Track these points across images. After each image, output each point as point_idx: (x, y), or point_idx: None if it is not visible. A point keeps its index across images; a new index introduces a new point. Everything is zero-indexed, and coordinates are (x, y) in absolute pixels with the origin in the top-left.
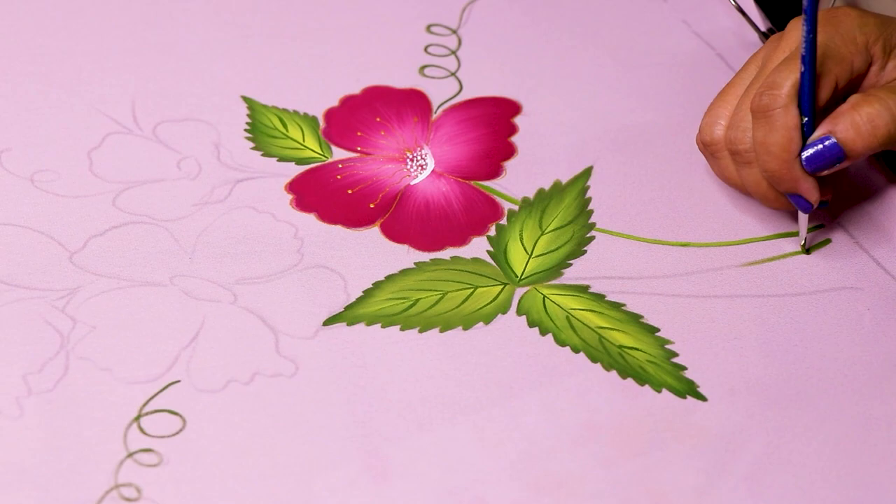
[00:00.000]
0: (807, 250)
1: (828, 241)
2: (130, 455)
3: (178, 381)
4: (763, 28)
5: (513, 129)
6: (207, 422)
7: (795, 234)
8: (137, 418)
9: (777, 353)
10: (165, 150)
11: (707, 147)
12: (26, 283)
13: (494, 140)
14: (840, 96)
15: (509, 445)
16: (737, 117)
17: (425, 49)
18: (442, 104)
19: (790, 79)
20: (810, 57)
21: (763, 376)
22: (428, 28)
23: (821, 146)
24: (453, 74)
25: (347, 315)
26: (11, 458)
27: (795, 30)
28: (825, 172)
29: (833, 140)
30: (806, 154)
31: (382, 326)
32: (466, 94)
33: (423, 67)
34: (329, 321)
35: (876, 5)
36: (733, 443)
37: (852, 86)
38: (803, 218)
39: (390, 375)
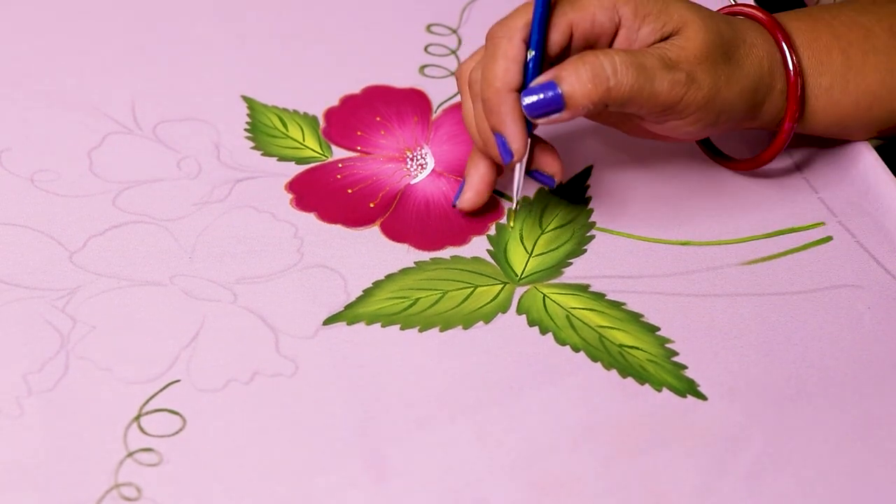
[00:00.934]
0: (515, 211)
1: (828, 239)
2: (130, 454)
3: (178, 381)
4: None
5: None
6: (207, 421)
7: (796, 230)
8: (137, 418)
9: (777, 352)
10: (165, 150)
11: (457, 81)
12: (26, 282)
13: None
14: (582, 47)
15: (509, 445)
16: (482, 50)
17: (425, 49)
18: (442, 104)
19: (525, 14)
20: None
21: (763, 375)
22: (428, 28)
23: (541, 91)
24: (453, 74)
25: (347, 314)
26: (11, 458)
27: None
28: (543, 121)
29: (556, 87)
30: (526, 97)
31: (382, 326)
32: None
33: (423, 67)
34: (329, 320)
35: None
36: (733, 442)
37: (595, 41)
38: (516, 172)
39: (390, 375)
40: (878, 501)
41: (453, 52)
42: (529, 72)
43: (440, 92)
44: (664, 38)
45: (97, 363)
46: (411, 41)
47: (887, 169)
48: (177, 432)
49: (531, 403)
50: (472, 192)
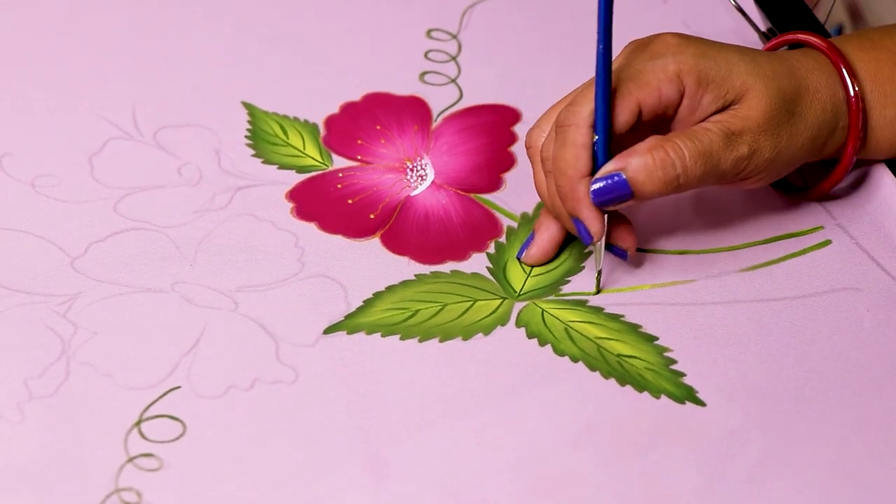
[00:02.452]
0: (597, 291)
1: (827, 243)
2: (131, 460)
3: (179, 387)
4: (763, 28)
5: (513, 138)
6: (208, 427)
7: (794, 234)
8: (138, 423)
9: (776, 357)
10: (166, 156)
11: (527, 150)
12: (28, 288)
13: (494, 150)
14: (651, 124)
15: (509, 447)
16: (552, 128)
17: (425, 55)
18: (442, 112)
19: (591, 98)
20: (604, 73)
21: (762, 380)
22: (428, 33)
23: (610, 181)
24: (453, 81)
25: (348, 324)
26: (12, 463)
27: (658, 41)
28: (612, 208)
29: (623, 177)
30: (594, 186)
31: (382, 335)
32: (466, 101)
33: (423, 74)
34: (329, 329)
35: (875, 5)
36: (733, 445)
37: (663, 113)
38: (596, 249)
39: (390, 383)
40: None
41: (453, 58)
42: (598, 158)
43: (440, 100)
44: (726, 106)
45: (98, 369)
46: (411, 47)
47: (887, 170)
48: (177, 438)
49: (530, 407)
50: (539, 251)
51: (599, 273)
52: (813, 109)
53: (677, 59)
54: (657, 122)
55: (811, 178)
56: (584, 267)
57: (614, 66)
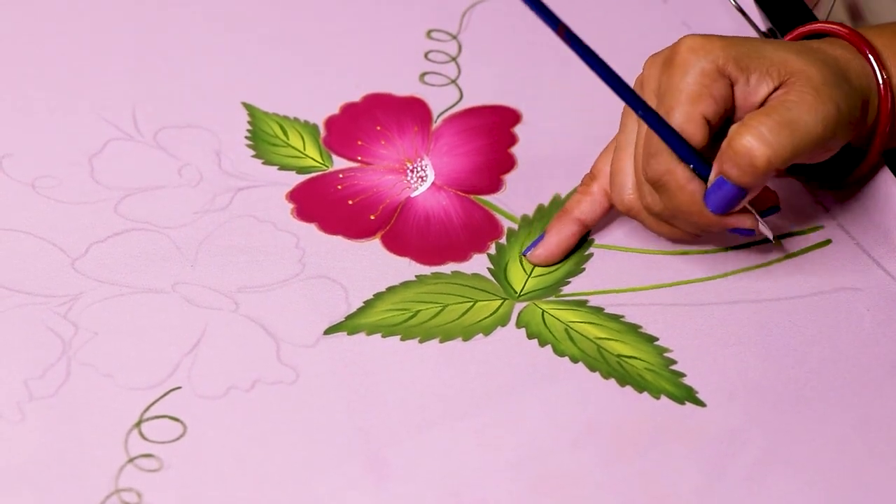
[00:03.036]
0: (779, 240)
1: (827, 243)
2: (131, 460)
3: (180, 388)
4: (763, 28)
5: (513, 140)
6: (208, 428)
7: (794, 234)
8: (138, 424)
9: (776, 357)
10: (166, 157)
11: (628, 212)
12: (28, 288)
13: (494, 151)
14: (729, 118)
15: (509, 447)
16: (640, 182)
17: (425, 55)
18: (442, 113)
19: (656, 143)
20: (662, 129)
21: (762, 380)
22: (428, 33)
23: (718, 190)
24: (453, 82)
25: (348, 324)
26: (12, 463)
27: (681, 51)
28: (738, 207)
29: (727, 183)
30: (710, 201)
31: (383, 336)
32: (466, 102)
33: (423, 74)
34: (330, 330)
35: (875, 5)
36: (733, 445)
37: (728, 109)
38: (760, 225)
39: (391, 382)
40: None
41: (453, 58)
42: (700, 175)
43: (440, 101)
44: (778, 85)
45: (99, 369)
46: (411, 47)
47: (887, 169)
48: (177, 438)
49: (531, 407)
50: (545, 252)
51: (775, 237)
52: (853, 74)
53: (709, 57)
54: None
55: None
56: (584, 269)
57: (651, 86)
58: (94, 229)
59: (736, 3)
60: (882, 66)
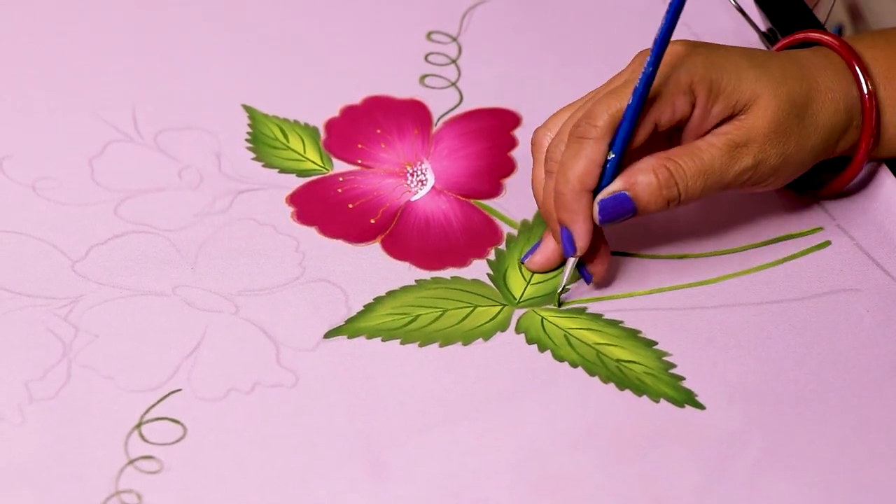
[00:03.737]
0: (559, 304)
1: (827, 244)
2: (131, 462)
3: (180, 390)
4: (763, 28)
5: (513, 143)
6: (208, 430)
7: (793, 236)
8: (139, 426)
9: (776, 359)
10: (166, 159)
11: (531, 146)
12: (29, 291)
13: (494, 155)
14: (664, 133)
15: (509, 449)
16: (563, 130)
17: (425, 58)
18: (442, 116)
19: (609, 112)
20: (643, 92)
21: (762, 382)
22: (428, 35)
23: (615, 200)
24: (454, 85)
25: (348, 328)
26: (13, 465)
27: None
28: (614, 224)
29: (627, 196)
30: (601, 204)
31: (383, 340)
32: (466, 104)
33: (423, 77)
34: (330, 334)
35: (875, 5)
36: (732, 447)
37: (677, 124)
38: (570, 263)
39: (391, 386)
40: None
41: (453, 61)
42: (606, 172)
43: (440, 104)
44: (734, 115)
45: (99, 371)
46: (411, 50)
47: (888, 170)
48: (177, 441)
49: (530, 410)
50: (543, 259)
51: (565, 289)
52: (825, 111)
53: (689, 70)
54: (669, 131)
55: (821, 175)
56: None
57: (623, 79)
58: (95, 231)
59: (736, 3)
60: (868, 78)
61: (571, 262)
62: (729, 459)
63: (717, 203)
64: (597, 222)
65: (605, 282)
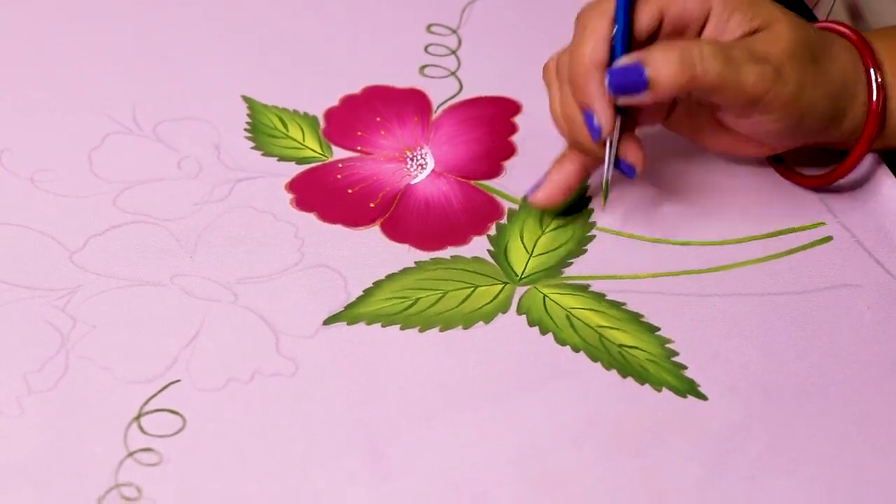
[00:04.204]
0: (606, 192)
1: (828, 239)
2: (131, 454)
3: (179, 381)
4: None
5: (513, 129)
6: (207, 421)
7: (796, 229)
8: (138, 417)
9: (778, 352)
10: (166, 150)
11: (543, 75)
12: (26, 282)
13: (494, 139)
14: (671, 33)
15: (510, 442)
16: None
17: (425, 49)
18: (442, 104)
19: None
20: None
21: (764, 374)
22: (428, 28)
23: (626, 71)
24: (453, 74)
25: (348, 314)
26: (11, 457)
27: None
28: (625, 100)
29: (640, 65)
30: (610, 74)
31: (383, 326)
32: (466, 94)
33: (423, 67)
34: (329, 320)
35: (875, 5)
36: (734, 440)
37: (685, 28)
38: (607, 150)
39: (390, 374)
40: (879, 500)
41: (453, 52)
42: (616, 49)
43: (440, 92)
44: (752, 32)
45: (97, 363)
46: (411, 41)
47: (887, 168)
48: (177, 432)
49: (532, 400)
50: (546, 194)
51: (607, 182)
52: (836, 65)
53: None
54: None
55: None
56: (586, 250)
57: None
58: (93, 222)
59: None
60: (878, 68)
61: (608, 146)
62: (731, 453)
63: (721, 193)
64: (608, 92)
65: (608, 262)
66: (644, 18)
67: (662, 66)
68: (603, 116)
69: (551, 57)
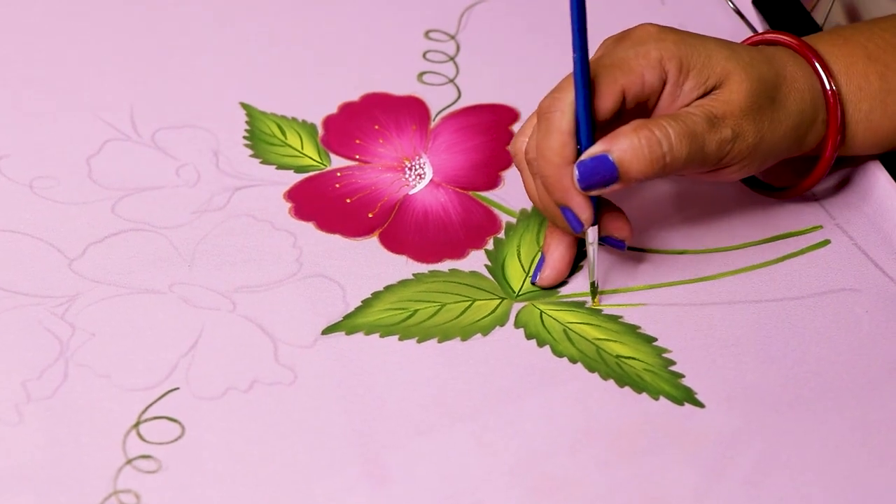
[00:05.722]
0: (595, 288)
1: (826, 243)
2: (129, 462)
3: (177, 389)
4: (760, 30)
5: (511, 137)
6: (206, 429)
7: (794, 234)
8: (136, 425)
9: (775, 358)
10: (164, 157)
11: (513, 157)
12: (25, 289)
13: (492, 149)
14: (633, 112)
15: (508, 450)
16: (532, 124)
17: (423, 55)
18: (440, 111)
19: (570, 85)
20: (582, 76)
21: (761, 381)
22: (426, 34)
23: (595, 162)
24: (452, 81)
25: (346, 324)
26: (10, 465)
27: (637, 31)
28: (596, 192)
29: (608, 158)
30: (580, 168)
31: (381, 336)
32: (465, 101)
33: (421, 74)
34: (328, 330)
35: (873, 7)
36: (732, 447)
37: (645, 101)
38: (590, 251)
39: (388, 384)
40: None
41: (451, 58)
42: (581, 143)
43: (438, 100)
44: (707, 92)
45: (96, 370)
46: (410, 47)
47: (885, 171)
48: (175, 439)
49: (529, 409)
50: (553, 272)
51: (594, 284)
52: (793, 98)
53: (658, 46)
54: (639, 111)
55: (794, 176)
56: (582, 266)
57: (595, 57)
58: (92, 230)
59: (733, 5)
60: (830, 76)
61: (590, 235)
62: (728, 460)
63: (715, 200)
64: (577, 187)
65: (604, 277)
66: (607, 104)
67: (634, 161)
68: (582, 212)
69: (516, 138)
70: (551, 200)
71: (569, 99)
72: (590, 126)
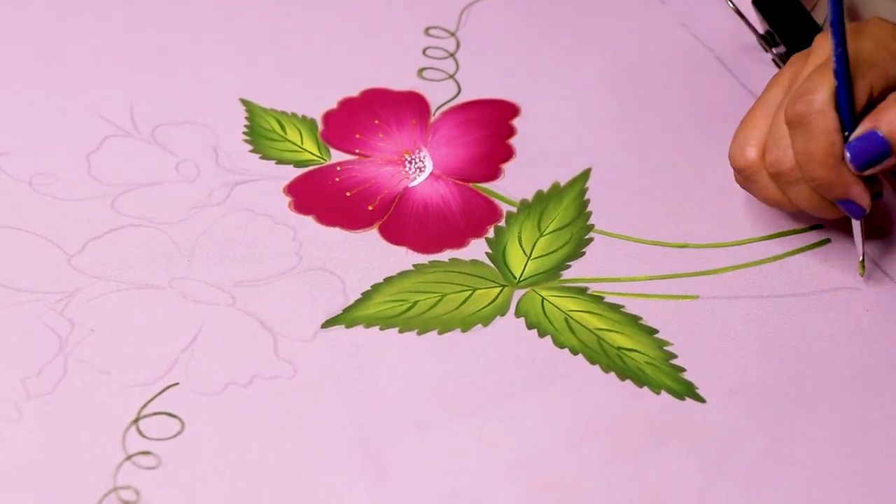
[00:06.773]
0: (862, 266)
1: (826, 242)
2: (129, 458)
3: (177, 384)
4: (761, 31)
5: (511, 132)
6: (206, 424)
7: (794, 232)
8: (136, 421)
9: (776, 355)
10: (164, 153)
11: (741, 171)
12: (25, 286)
13: (493, 142)
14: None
15: (508, 446)
16: (774, 137)
17: (423, 52)
18: (440, 106)
19: (824, 84)
20: (843, 70)
21: (762, 377)
22: (426, 31)
23: (865, 141)
24: (452, 77)
25: (346, 317)
26: (10, 461)
27: (823, 45)
28: (871, 171)
29: (878, 134)
30: (850, 150)
31: (381, 328)
32: (465, 97)
33: (421, 70)
34: (327, 323)
35: (874, 7)
36: (732, 443)
37: (888, 90)
38: (857, 228)
39: (389, 377)
40: (877, 502)
41: (451, 55)
42: (845, 125)
43: (438, 95)
44: None
45: (96, 366)
46: (409, 44)
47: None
48: (175, 435)
49: (530, 404)
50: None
51: (863, 257)
52: None
53: (894, 34)
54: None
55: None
56: (584, 253)
57: (817, 60)
58: (91, 226)
59: (734, 5)
60: None
61: (857, 223)
62: (729, 455)
63: (719, 195)
64: (853, 170)
65: (607, 264)
66: (860, 105)
67: None
68: (863, 200)
69: (742, 151)
70: (823, 200)
71: (822, 98)
72: (852, 111)
